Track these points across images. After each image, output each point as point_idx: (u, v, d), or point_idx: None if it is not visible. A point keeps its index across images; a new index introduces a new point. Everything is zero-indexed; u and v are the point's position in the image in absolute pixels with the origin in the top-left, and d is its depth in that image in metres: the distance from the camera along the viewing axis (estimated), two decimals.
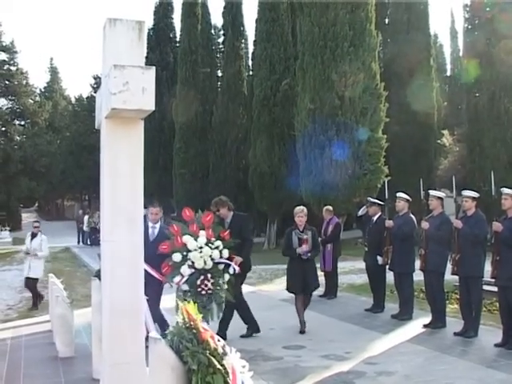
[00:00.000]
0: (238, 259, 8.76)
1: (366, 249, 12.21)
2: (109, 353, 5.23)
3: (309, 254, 9.93)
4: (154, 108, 4.85)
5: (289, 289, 10.39)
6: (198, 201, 37.01)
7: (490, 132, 26.36)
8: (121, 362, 5.18)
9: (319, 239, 13.45)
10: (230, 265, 8.44)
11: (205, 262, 8.00)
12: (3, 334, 10.11)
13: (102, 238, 5.41)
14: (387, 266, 11.44)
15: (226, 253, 8.23)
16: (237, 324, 9.94)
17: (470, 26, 29.95)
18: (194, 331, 4.04)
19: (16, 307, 13.75)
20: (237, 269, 8.53)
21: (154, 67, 4.87)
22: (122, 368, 5.18)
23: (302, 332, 9.90)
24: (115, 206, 5.20)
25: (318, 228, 14.95)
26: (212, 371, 3.89)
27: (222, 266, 8.27)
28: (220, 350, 4.02)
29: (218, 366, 3.91)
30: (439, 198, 10.14)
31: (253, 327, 9.82)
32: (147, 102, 4.81)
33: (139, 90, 4.75)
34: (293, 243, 10.04)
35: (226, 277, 8.28)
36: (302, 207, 10.37)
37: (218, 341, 4.06)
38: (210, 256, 8.04)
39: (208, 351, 3.96)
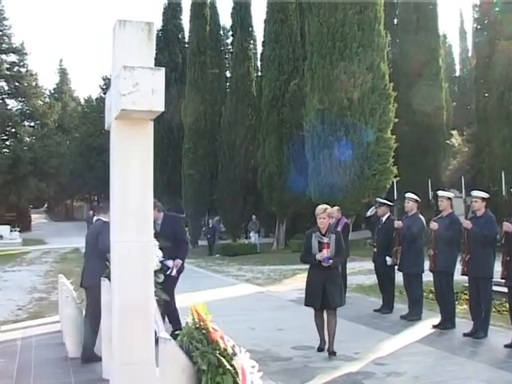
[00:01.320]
0: (179, 262, 8.93)
1: (375, 249, 12.19)
2: (118, 353, 5.25)
3: (330, 261, 8.31)
4: (163, 109, 4.86)
5: (306, 302, 8.73)
6: (206, 201, 37.17)
7: (499, 132, 26.32)
8: (131, 362, 5.20)
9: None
10: (168, 266, 8.56)
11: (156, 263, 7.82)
12: (13, 335, 10.14)
13: (112, 238, 5.43)
14: (396, 267, 11.42)
15: (160, 253, 8.06)
16: (245, 324, 9.95)
17: (479, 26, 29.96)
18: (204, 332, 4.06)
19: (26, 308, 13.77)
20: (174, 272, 8.59)
21: (163, 68, 4.89)
22: (132, 368, 5.19)
23: (321, 350, 8.57)
24: (125, 206, 5.22)
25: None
26: (222, 371, 3.90)
27: (159, 266, 8.07)
28: (230, 351, 4.03)
29: (228, 367, 3.92)
30: (449, 198, 10.12)
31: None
32: (157, 103, 4.83)
33: (149, 91, 4.76)
34: (312, 248, 8.51)
35: (162, 277, 8.06)
36: (324, 206, 8.68)
37: (228, 341, 4.07)
38: (157, 255, 7.90)
39: (218, 351, 3.97)
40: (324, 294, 8.36)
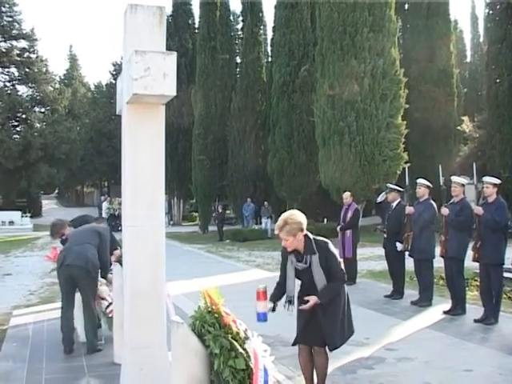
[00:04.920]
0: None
1: (385, 235, 12.17)
2: (130, 337, 5.28)
3: (266, 320, 5.54)
4: (175, 93, 4.85)
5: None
6: (216, 187, 37.19)
7: (510, 118, 26.16)
8: (142, 346, 5.22)
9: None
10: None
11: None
12: (25, 319, 10.22)
13: (123, 223, 5.44)
14: (407, 253, 11.40)
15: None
16: (255, 309, 9.95)
17: (490, 12, 29.68)
18: (216, 315, 4.07)
19: (37, 293, 13.86)
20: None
21: (175, 52, 4.88)
22: (144, 352, 5.22)
23: None
24: (136, 191, 5.23)
25: (337, 213, 15.00)
26: (234, 355, 3.92)
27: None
28: (242, 335, 4.05)
29: (241, 350, 3.94)
30: (462, 185, 10.06)
31: None
32: (168, 88, 4.82)
33: (160, 75, 4.76)
34: (287, 278, 5.79)
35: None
36: (281, 221, 5.58)
37: (240, 325, 4.08)
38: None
39: (230, 335, 3.99)
40: (308, 325, 5.79)
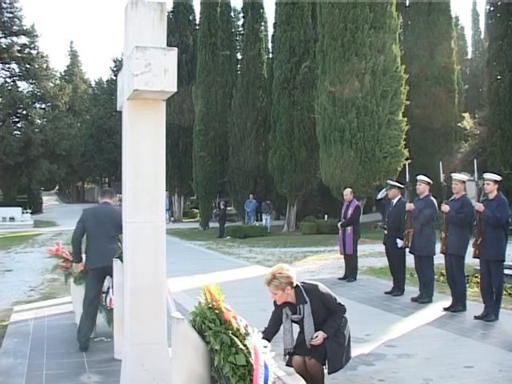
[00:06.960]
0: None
1: (386, 232, 12.17)
2: (131, 333, 5.28)
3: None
4: (176, 89, 4.85)
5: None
6: (217, 184, 37.22)
7: (511, 115, 26.15)
8: (143, 342, 5.23)
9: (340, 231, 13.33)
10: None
11: None
12: (26, 315, 10.22)
13: (124, 219, 5.44)
14: (407, 249, 11.40)
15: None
16: (256, 305, 9.97)
17: (492, 8, 29.65)
18: (217, 311, 4.07)
19: (38, 289, 13.87)
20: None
21: (176, 48, 4.87)
22: (144, 348, 5.23)
23: None
24: (137, 187, 5.23)
25: (337, 210, 15.01)
26: (234, 351, 3.91)
27: None
28: (242, 331, 4.04)
29: (241, 346, 3.93)
30: (463, 181, 10.06)
31: None
32: (169, 84, 4.82)
33: (161, 71, 4.75)
34: (284, 330, 5.78)
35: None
36: (268, 277, 5.52)
37: (241, 321, 4.08)
38: None
39: (230, 331, 3.98)
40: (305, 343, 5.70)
